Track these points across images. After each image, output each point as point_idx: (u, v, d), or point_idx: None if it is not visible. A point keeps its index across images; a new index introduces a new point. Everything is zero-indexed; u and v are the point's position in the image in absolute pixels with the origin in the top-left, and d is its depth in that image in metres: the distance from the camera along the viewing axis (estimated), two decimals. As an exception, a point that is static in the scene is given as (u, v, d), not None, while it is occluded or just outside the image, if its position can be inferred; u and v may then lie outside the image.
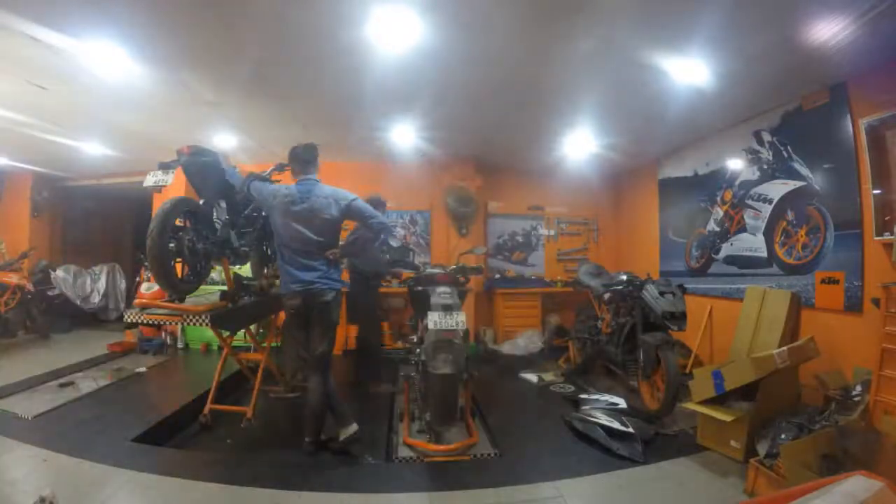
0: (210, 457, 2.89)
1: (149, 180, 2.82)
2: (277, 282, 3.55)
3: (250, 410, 3.31)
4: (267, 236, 3.68)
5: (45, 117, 4.34)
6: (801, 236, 3.67)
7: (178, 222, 2.66)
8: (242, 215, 3.28)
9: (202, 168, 2.89)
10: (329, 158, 6.06)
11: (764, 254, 4.06)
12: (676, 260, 5.32)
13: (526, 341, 5.77)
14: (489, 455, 2.89)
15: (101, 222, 8.77)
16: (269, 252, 3.81)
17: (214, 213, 3.03)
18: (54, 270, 6.44)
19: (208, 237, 2.87)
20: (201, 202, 2.93)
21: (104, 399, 3.76)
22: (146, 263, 2.60)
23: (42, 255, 6.69)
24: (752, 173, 4.21)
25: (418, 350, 3.36)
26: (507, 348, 5.78)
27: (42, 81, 3.55)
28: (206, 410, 3.38)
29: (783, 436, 2.46)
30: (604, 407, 3.39)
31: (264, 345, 3.77)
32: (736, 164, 4.43)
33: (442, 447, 2.88)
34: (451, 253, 5.80)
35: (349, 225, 3.31)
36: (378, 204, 4.08)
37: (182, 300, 3.01)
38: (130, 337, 5.70)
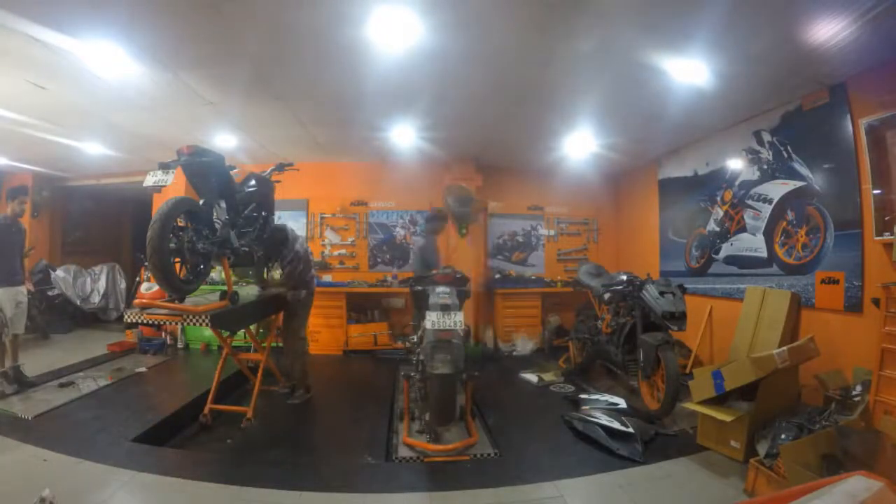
0: (210, 457, 2.89)
1: (149, 180, 2.82)
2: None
3: (250, 410, 3.32)
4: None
5: (45, 117, 4.34)
6: (801, 236, 3.67)
7: (178, 222, 2.66)
8: (242, 215, 3.28)
9: (202, 168, 2.89)
10: (329, 158, 6.16)
11: (764, 254, 4.06)
12: (676, 260, 5.32)
13: (522, 346, 5.78)
14: (489, 455, 2.89)
15: (101, 222, 8.78)
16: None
17: (214, 213, 3.03)
18: (54, 270, 6.44)
19: (208, 237, 2.87)
20: (201, 202, 2.92)
21: (104, 399, 3.76)
22: (146, 263, 2.60)
23: (42, 255, 6.69)
24: (752, 173, 4.20)
25: (418, 350, 3.36)
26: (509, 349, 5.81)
27: (42, 81, 3.55)
28: (206, 410, 3.39)
29: (783, 436, 2.46)
30: (604, 407, 3.39)
31: (264, 345, 3.77)
32: (736, 164, 4.42)
33: (442, 447, 2.88)
34: (450, 253, 5.80)
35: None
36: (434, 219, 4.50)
37: (182, 300, 3.01)
38: (130, 337, 5.70)
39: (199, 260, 2.85)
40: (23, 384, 3.87)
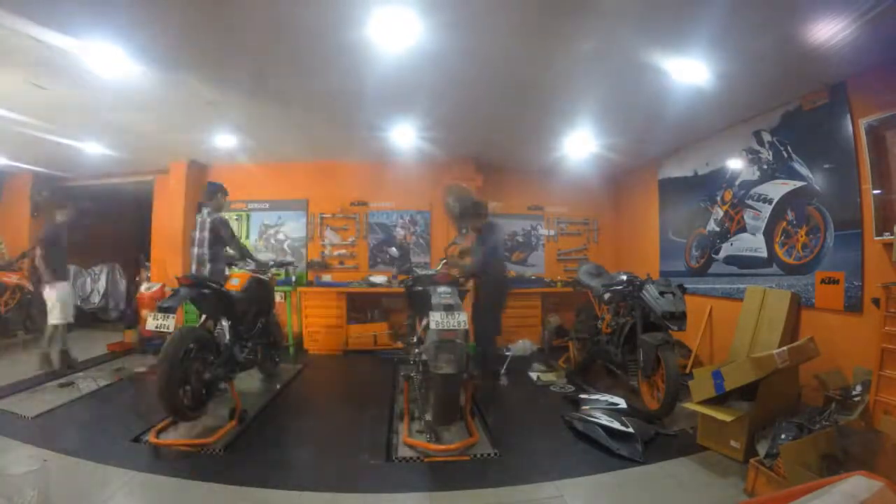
0: (210, 457, 2.88)
1: (150, 324, 2.98)
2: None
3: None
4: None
5: (45, 117, 4.34)
6: (801, 236, 3.67)
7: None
8: (243, 323, 3.60)
9: (202, 294, 3.19)
10: (329, 158, 6.16)
11: (764, 254, 4.06)
12: (676, 260, 5.32)
13: (521, 349, 5.76)
14: (489, 455, 2.89)
15: (101, 222, 8.76)
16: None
17: (216, 329, 3.40)
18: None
19: (213, 362, 3.11)
20: (203, 318, 3.26)
21: (104, 399, 3.76)
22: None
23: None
24: (752, 173, 4.21)
25: (417, 350, 3.36)
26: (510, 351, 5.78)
27: (42, 81, 3.55)
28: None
29: (783, 436, 2.46)
30: (604, 407, 3.39)
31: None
32: (736, 164, 4.43)
33: (442, 447, 2.88)
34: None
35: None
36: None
37: (188, 421, 3.15)
38: (130, 337, 5.69)
39: (205, 385, 3.08)
40: (72, 367, 4.51)
